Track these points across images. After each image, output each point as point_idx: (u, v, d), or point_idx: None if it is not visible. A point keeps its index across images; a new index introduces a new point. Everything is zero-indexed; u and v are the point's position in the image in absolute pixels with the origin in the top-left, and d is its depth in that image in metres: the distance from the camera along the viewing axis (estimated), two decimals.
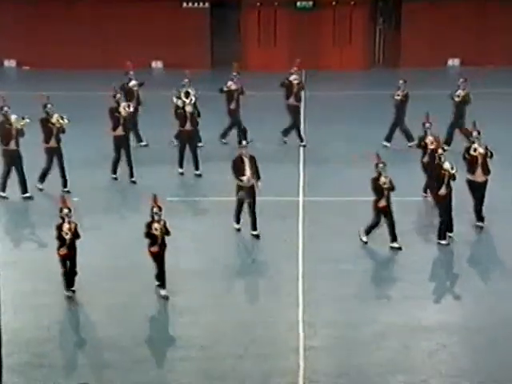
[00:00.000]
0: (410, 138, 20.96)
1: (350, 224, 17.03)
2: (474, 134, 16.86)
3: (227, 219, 17.16)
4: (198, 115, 19.50)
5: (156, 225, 13.89)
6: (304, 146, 21.36)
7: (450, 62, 31.72)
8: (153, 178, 18.88)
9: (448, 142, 20.52)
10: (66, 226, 13.98)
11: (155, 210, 13.89)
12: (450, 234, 16.13)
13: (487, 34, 31.03)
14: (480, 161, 16.51)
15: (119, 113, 18.91)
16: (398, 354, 12.41)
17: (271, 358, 12.37)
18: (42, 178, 18.54)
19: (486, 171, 16.62)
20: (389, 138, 21.29)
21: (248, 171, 16.07)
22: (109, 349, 12.65)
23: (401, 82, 21.40)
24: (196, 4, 31.53)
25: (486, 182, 16.67)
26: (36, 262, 15.36)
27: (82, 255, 14.20)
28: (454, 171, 15.66)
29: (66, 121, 18.06)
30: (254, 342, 12.76)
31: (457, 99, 20.97)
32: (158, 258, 14.08)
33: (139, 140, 21.30)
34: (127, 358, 12.41)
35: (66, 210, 14.02)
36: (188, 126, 19.26)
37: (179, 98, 19.46)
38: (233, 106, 21.29)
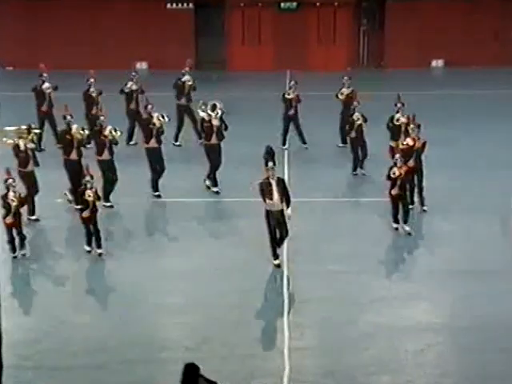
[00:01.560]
0: (285, 141, 21.34)
1: (336, 225, 17.11)
2: (399, 105, 18.90)
3: (215, 221, 17.24)
4: (225, 129, 18.69)
5: (89, 191, 15.39)
6: (179, 146, 21.39)
7: (434, 62, 31.85)
8: (134, 178, 18.82)
9: (343, 140, 21.27)
10: (11, 194, 15.14)
11: (87, 178, 15.50)
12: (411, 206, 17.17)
13: (471, 34, 31.16)
14: (403, 129, 18.27)
15: (154, 124, 18.20)
16: (384, 355, 12.45)
17: (257, 359, 12.39)
18: (107, 194, 17.64)
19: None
20: (304, 141, 21.49)
21: (275, 195, 14.90)
22: (95, 350, 12.63)
23: (292, 82, 21.47)
24: (180, 5, 31.52)
25: None
26: (18, 263, 15.33)
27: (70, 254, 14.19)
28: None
29: (118, 133, 17.65)
30: (239, 343, 12.78)
31: (341, 97, 21.19)
32: (89, 222, 15.53)
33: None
34: (114, 359, 12.40)
35: (10, 180, 15.26)
36: (214, 140, 18.35)
37: (205, 110, 18.53)
38: (133, 105, 21.45)
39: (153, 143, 18.26)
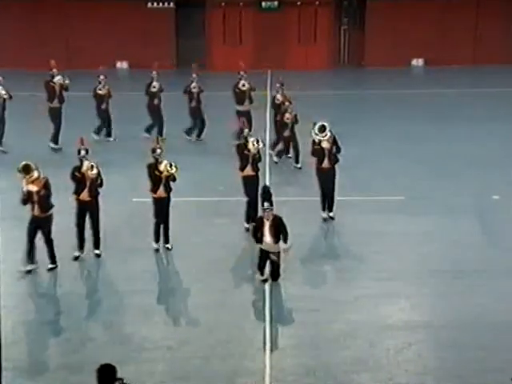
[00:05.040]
0: (107, 132, 22.44)
1: (315, 224, 17.14)
2: (278, 85, 21.58)
3: (198, 219, 17.23)
4: (337, 151, 17.19)
5: None
6: (59, 150, 21.49)
7: (414, 61, 31.99)
8: (123, 177, 18.81)
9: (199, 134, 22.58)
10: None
11: None
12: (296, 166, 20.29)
13: (451, 33, 31.33)
14: (283, 106, 20.79)
15: (249, 150, 16.63)
16: (364, 353, 12.48)
17: (238, 358, 12.38)
18: (156, 235, 16.09)
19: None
20: (109, 134, 22.53)
21: (267, 236, 14.27)
22: (74, 351, 12.60)
23: (102, 77, 22.34)
24: (161, 4, 31.51)
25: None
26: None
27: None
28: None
29: (173, 169, 15.67)
30: (220, 343, 12.77)
31: (194, 90, 22.23)
32: None
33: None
34: (93, 360, 12.34)
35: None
36: (326, 164, 16.98)
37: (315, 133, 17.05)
38: None
39: (248, 171, 16.77)
